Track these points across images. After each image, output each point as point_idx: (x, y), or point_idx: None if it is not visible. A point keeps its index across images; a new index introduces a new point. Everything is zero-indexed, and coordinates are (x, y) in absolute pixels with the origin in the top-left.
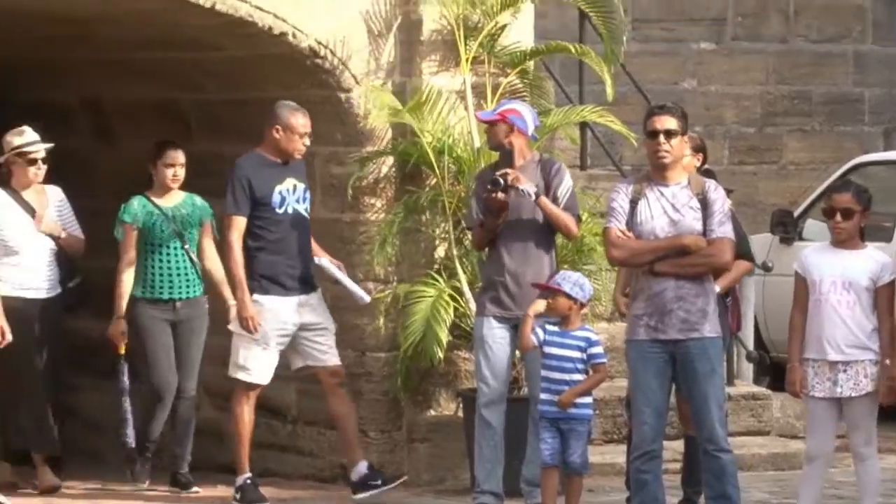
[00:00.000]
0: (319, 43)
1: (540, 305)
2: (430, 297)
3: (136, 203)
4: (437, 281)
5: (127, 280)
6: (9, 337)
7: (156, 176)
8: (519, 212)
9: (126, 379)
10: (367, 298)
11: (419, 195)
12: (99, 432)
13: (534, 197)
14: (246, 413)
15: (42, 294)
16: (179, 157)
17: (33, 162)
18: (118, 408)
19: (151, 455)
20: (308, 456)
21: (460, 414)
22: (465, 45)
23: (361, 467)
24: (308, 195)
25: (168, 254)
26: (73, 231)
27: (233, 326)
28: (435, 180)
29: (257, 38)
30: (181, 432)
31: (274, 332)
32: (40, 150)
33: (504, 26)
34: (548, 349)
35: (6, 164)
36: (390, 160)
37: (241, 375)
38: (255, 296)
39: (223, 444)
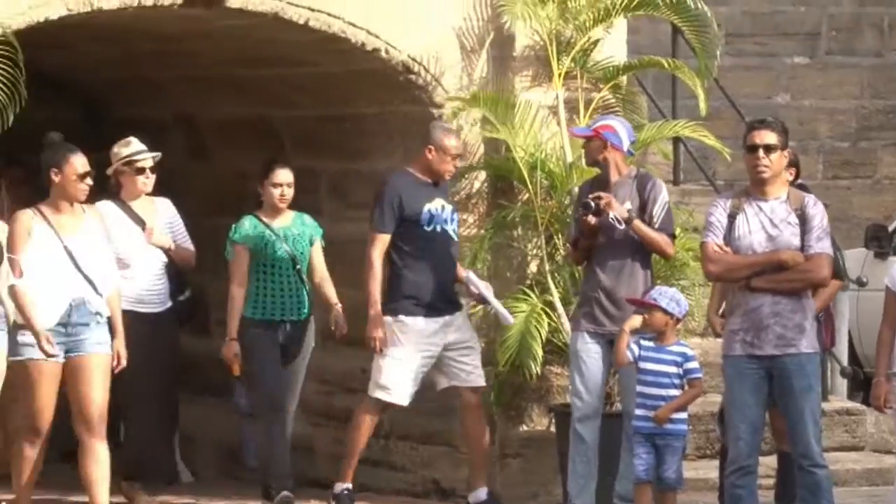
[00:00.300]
0: (412, 59)
1: (636, 321)
2: (524, 312)
3: (248, 223)
4: (530, 296)
5: (238, 301)
6: (124, 362)
7: (264, 195)
8: (614, 228)
9: (244, 401)
10: (512, 319)
11: (509, 211)
12: (194, 447)
13: (623, 225)
14: (368, 425)
15: (154, 308)
16: (287, 176)
17: (142, 171)
18: (238, 430)
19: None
20: (401, 471)
21: (553, 429)
22: (558, 60)
23: (481, 493)
24: (456, 216)
25: (280, 275)
26: (184, 243)
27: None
28: (527, 195)
29: (350, 54)
30: (278, 451)
31: (419, 354)
32: (148, 158)
33: (597, 41)
34: (643, 364)
35: (114, 176)
36: (482, 175)
37: (380, 395)
38: (401, 317)
39: (315, 459)
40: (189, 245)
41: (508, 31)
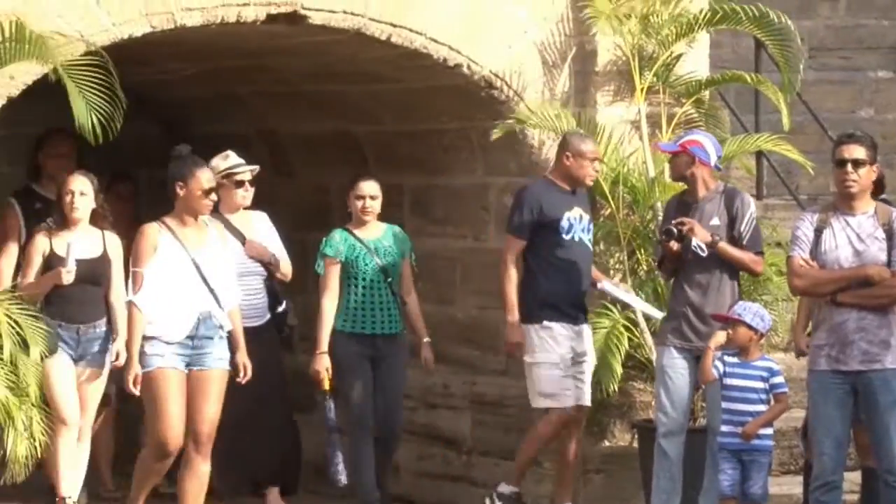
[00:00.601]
0: (494, 74)
1: (720, 337)
2: (605, 328)
3: (338, 236)
4: (612, 312)
5: (329, 314)
6: (249, 373)
7: (351, 208)
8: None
9: (333, 416)
10: (660, 314)
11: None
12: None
13: (706, 252)
14: (551, 435)
15: (254, 322)
16: (370, 188)
17: (241, 184)
18: (327, 445)
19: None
20: (482, 487)
21: (635, 445)
22: (640, 74)
23: None
24: (591, 226)
25: (371, 288)
26: (281, 256)
27: (528, 357)
28: (609, 210)
29: (432, 69)
30: (385, 469)
31: (568, 356)
32: (246, 171)
33: (679, 56)
34: (729, 380)
35: (217, 188)
36: None
37: (549, 403)
38: (546, 322)
39: (399, 476)
40: (286, 258)
41: (591, 46)
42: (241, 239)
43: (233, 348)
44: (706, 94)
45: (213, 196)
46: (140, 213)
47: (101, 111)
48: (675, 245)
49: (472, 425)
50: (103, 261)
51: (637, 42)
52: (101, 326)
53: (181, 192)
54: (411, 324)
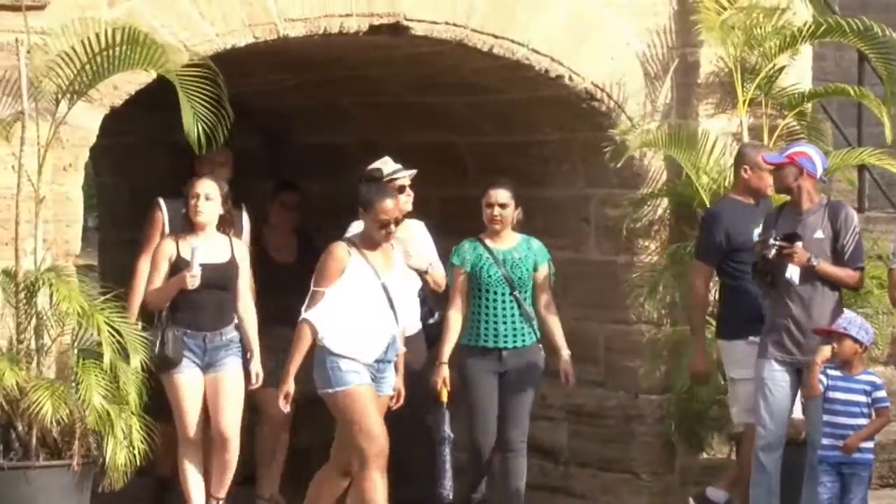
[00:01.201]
0: (596, 86)
1: (827, 352)
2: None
3: (467, 245)
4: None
5: (454, 325)
6: (402, 400)
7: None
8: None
9: (447, 428)
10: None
11: (687, 244)
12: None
13: (797, 282)
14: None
15: (409, 332)
16: (500, 196)
17: (402, 189)
18: (437, 457)
19: None
20: (579, 498)
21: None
22: (743, 86)
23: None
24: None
25: (495, 299)
26: (436, 266)
27: (734, 373)
28: None
29: (534, 81)
30: (511, 486)
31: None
32: (406, 176)
33: (782, 68)
34: (832, 394)
35: None
36: (665, 202)
37: (751, 419)
38: (751, 337)
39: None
40: (441, 268)
41: (693, 58)
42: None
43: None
44: (808, 106)
45: (392, 227)
46: (303, 225)
47: (207, 121)
48: (770, 254)
49: (569, 436)
50: (230, 266)
51: (740, 54)
52: (229, 333)
53: (362, 218)
54: (548, 338)
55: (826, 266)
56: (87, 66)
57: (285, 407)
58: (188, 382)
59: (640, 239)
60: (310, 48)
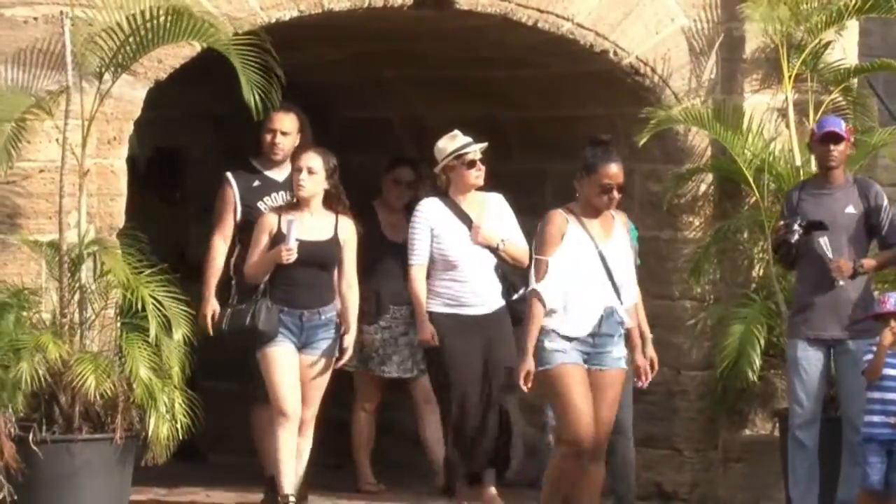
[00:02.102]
0: (640, 60)
1: (889, 336)
2: (746, 317)
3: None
4: (755, 300)
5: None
6: (650, 376)
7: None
8: (833, 229)
9: (551, 414)
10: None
11: (732, 222)
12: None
13: (831, 255)
14: None
15: (483, 310)
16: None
17: (472, 164)
18: (540, 443)
19: None
20: None
21: (776, 434)
22: (788, 62)
23: None
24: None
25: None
26: (516, 240)
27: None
28: (754, 198)
29: (579, 55)
30: (629, 470)
31: None
32: (476, 150)
33: (828, 43)
34: (884, 370)
35: (444, 172)
36: (709, 177)
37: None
38: None
39: None
40: (521, 243)
41: (739, 33)
42: (468, 223)
43: (631, 346)
44: (854, 82)
45: (615, 193)
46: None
47: (261, 89)
48: (793, 238)
49: None
50: (332, 244)
51: (786, 29)
52: (327, 313)
53: (578, 185)
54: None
55: (873, 262)
56: (132, 39)
57: (525, 387)
58: (284, 356)
59: (683, 214)
60: (354, 22)
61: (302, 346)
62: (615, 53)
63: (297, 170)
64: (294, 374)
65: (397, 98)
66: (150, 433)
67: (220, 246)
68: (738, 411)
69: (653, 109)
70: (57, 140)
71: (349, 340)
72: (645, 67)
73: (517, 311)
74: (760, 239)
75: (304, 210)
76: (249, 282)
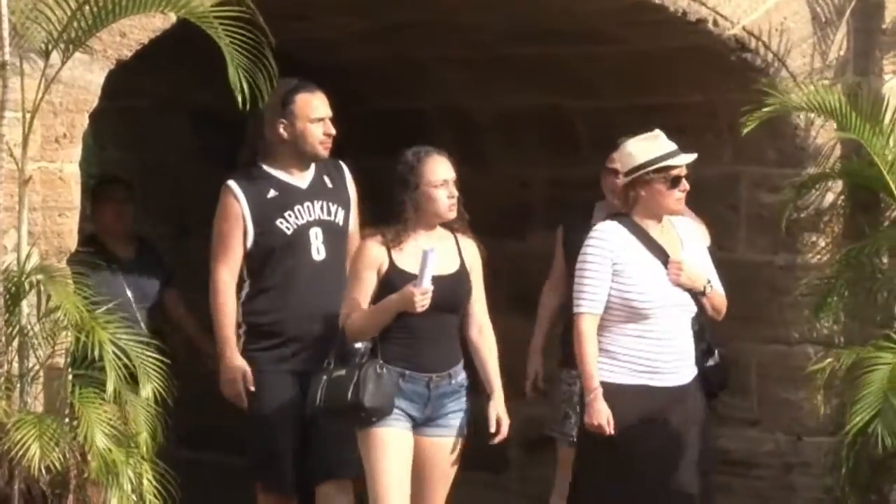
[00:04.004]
0: (749, 32)
1: None
2: (888, 364)
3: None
4: None
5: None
6: None
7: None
8: None
9: None
10: None
11: (865, 246)
12: None
13: None
14: None
15: (676, 381)
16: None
17: (677, 182)
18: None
19: None
20: None
21: None
22: None
23: None
24: None
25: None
26: (716, 283)
27: None
28: None
29: (667, 26)
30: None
31: None
32: (682, 164)
33: None
34: None
35: (633, 187)
36: (838, 185)
37: None
38: None
39: None
40: (719, 286)
41: None
42: (664, 257)
43: None
44: None
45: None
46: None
47: (249, 73)
48: None
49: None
50: (462, 278)
51: None
52: (458, 375)
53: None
54: None
55: None
56: (87, 7)
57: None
58: (396, 438)
59: (805, 233)
60: None
61: (423, 422)
62: (715, 23)
63: (432, 185)
64: (407, 466)
65: (435, 85)
66: None
67: (229, 280)
68: (875, 489)
69: (768, 92)
70: None
71: (499, 408)
72: (754, 41)
73: (710, 383)
74: None
75: (420, 232)
76: (353, 339)
